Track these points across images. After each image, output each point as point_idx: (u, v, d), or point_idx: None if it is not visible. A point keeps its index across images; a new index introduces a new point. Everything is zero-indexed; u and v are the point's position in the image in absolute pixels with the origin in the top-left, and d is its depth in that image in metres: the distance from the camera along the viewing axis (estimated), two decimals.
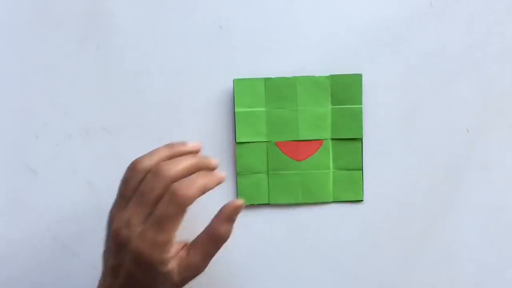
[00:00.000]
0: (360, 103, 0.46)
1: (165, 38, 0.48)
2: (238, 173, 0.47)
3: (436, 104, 0.47)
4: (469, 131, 0.47)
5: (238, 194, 0.47)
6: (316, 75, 0.46)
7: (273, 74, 0.47)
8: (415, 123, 0.47)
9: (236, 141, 0.47)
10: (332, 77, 0.46)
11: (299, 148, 0.47)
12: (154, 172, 0.36)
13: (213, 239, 0.38)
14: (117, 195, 0.39)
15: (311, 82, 0.46)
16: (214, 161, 0.39)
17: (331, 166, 0.47)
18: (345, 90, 0.46)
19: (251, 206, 0.47)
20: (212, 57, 0.47)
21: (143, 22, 0.48)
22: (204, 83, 0.47)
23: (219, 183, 0.38)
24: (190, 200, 0.35)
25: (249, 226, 0.47)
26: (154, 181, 0.36)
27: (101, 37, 0.48)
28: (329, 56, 0.47)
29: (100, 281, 0.39)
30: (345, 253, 0.47)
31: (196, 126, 0.47)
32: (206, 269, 0.47)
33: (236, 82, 0.47)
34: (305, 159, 0.47)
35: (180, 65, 0.48)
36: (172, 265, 0.36)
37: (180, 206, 0.35)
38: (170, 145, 0.39)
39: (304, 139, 0.47)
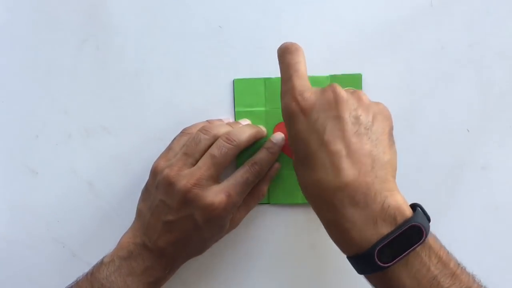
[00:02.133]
0: None
1: (165, 38, 0.48)
2: None
3: (436, 104, 0.47)
4: (469, 131, 0.47)
5: None
6: (316, 75, 0.46)
7: (273, 74, 0.47)
8: (415, 123, 0.47)
9: None
10: (332, 77, 0.46)
11: None
12: (226, 138, 0.41)
13: (257, 198, 0.45)
14: (172, 151, 0.43)
15: (311, 81, 0.46)
16: (264, 129, 0.46)
17: None
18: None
19: None
20: (212, 57, 0.47)
21: (143, 22, 0.48)
22: (204, 83, 0.47)
23: (263, 134, 0.45)
24: (243, 143, 0.42)
25: (249, 226, 0.47)
26: (228, 147, 0.41)
27: (101, 37, 0.48)
28: (329, 56, 0.47)
29: (123, 241, 0.42)
30: None
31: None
32: (206, 269, 0.47)
33: (236, 82, 0.47)
34: None
35: (180, 65, 0.48)
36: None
37: (235, 148, 0.41)
38: (227, 122, 0.46)
39: None
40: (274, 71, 0.47)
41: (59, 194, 0.48)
